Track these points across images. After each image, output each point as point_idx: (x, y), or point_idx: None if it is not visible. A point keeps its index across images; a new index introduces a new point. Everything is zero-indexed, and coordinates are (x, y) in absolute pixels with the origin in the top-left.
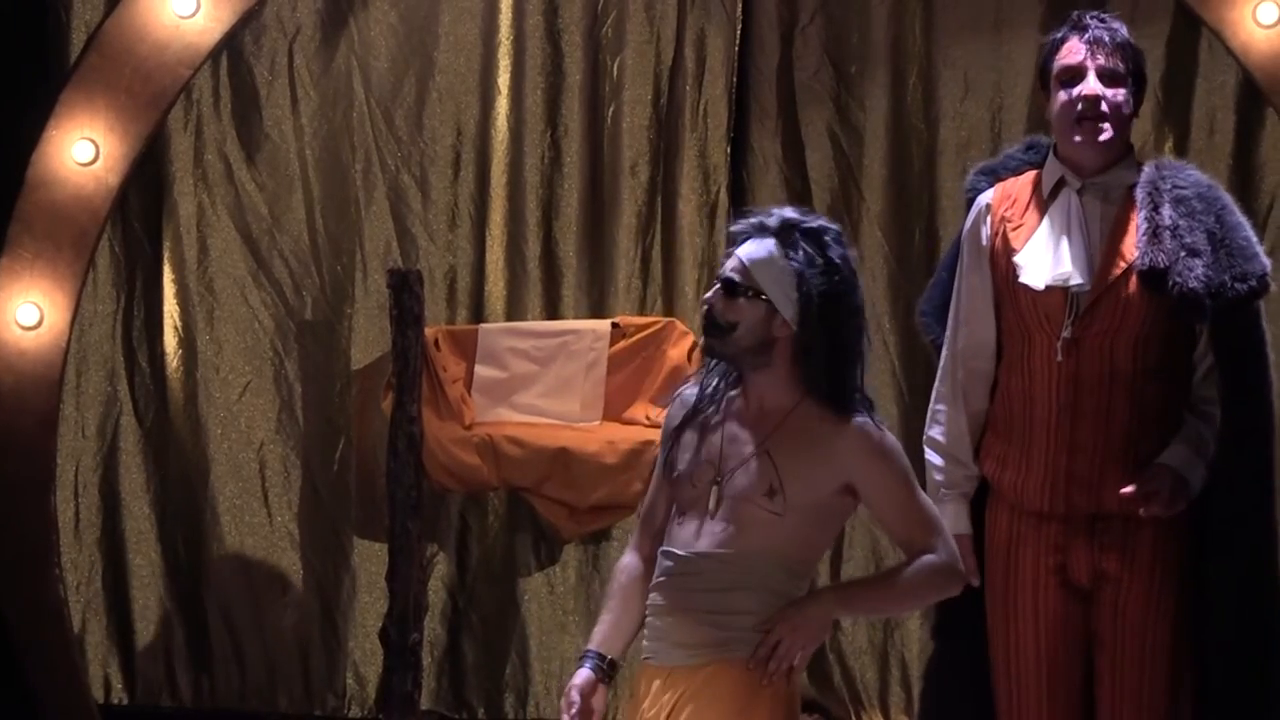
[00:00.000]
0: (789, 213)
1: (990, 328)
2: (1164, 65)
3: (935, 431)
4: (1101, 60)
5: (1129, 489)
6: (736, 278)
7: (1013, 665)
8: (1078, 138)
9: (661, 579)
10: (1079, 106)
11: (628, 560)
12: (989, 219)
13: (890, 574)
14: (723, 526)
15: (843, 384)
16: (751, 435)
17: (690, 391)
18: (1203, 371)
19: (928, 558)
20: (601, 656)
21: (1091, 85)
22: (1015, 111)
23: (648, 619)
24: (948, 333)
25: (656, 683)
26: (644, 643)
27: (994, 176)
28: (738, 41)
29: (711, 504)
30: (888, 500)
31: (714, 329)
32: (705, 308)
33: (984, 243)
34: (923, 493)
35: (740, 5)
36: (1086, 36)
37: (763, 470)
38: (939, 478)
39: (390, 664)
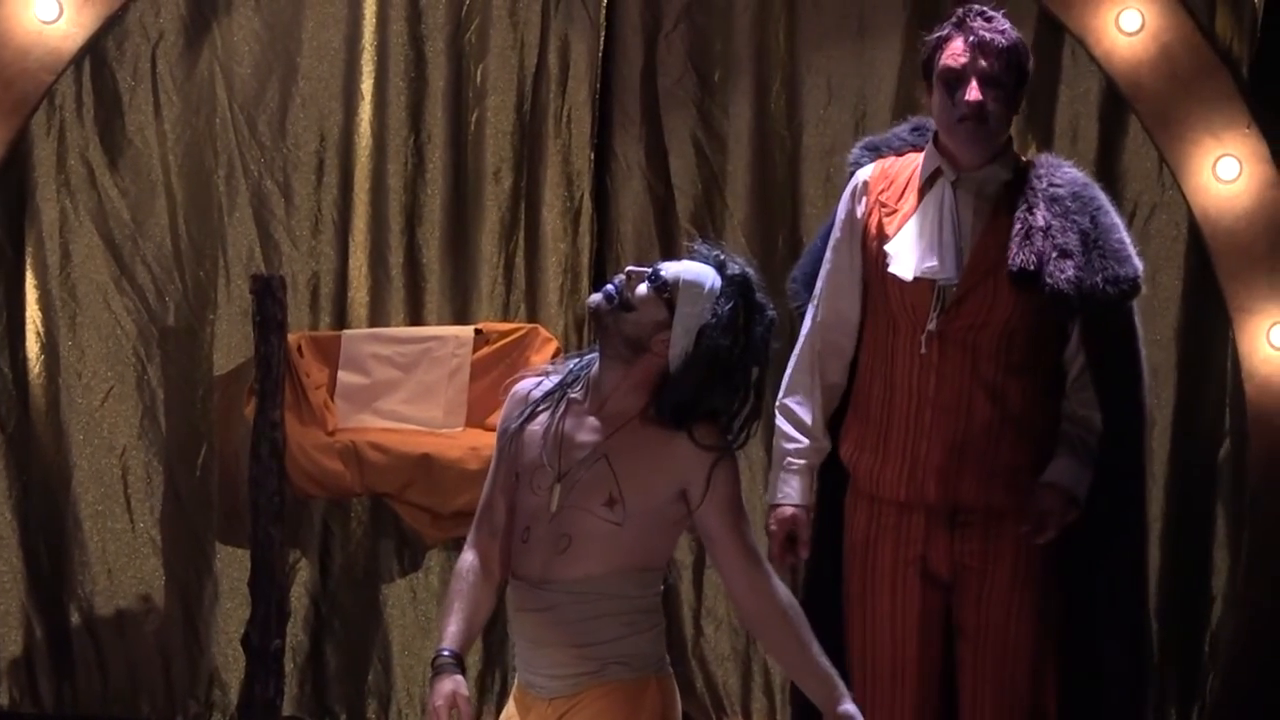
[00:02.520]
0: (750, 274)
1: (854, 305)
2: None
3: (790, 399)
4: (984, 65)
5: (1025, 528)
6: (668, 278)
7: (869, 659)
8: (956, 137)
9: (520, 612)
10: (960, 111)
11: (468, 559)
12: (865, 198)
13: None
14: (567, 550)
15: (684, 418)
16: (591, 439)
17: (526, 388)
18: (1075, 373)
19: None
20: (459, 656)
21: (973, 93)
22: (879, 118)
23: (517, 646)
24: (812, 301)
25: (538, 705)
26: (518, 669)
27: (877, 153)
28: (601, 47)
29: (554, 505)
30: (718, 517)
31: (614, 297)
32: (625, 275)
33: (858, 219)
34: (751, 531)
35: (604, 11)
36: (971, 39)
37: (602, 478)
38: (788, 446)
39: (252, 670)
